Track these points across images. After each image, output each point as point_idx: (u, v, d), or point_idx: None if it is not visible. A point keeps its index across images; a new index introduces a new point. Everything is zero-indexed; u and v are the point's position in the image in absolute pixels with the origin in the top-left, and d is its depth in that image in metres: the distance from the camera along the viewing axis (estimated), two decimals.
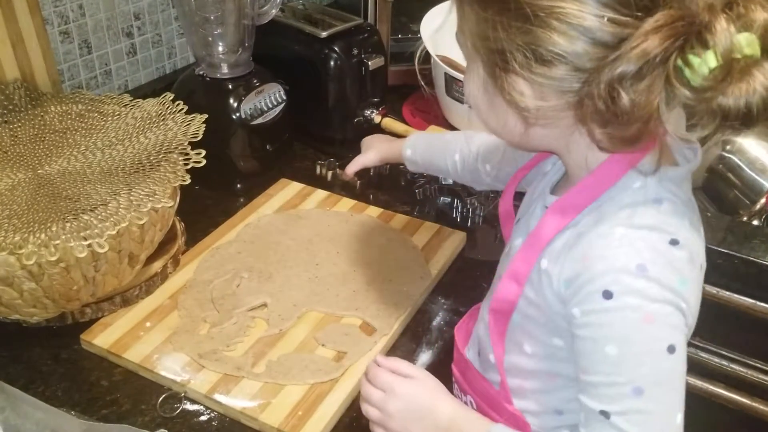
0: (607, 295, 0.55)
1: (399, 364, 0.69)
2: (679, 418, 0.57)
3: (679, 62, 0.49)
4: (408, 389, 0.66)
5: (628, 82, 0.50)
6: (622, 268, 0.54)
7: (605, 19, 0.50)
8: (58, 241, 0.74)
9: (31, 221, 0.78)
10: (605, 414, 0.57)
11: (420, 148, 0.98)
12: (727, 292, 1.00)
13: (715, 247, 0.98)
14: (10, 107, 0.99)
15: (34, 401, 0.73)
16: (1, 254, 0.72)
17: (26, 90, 1.01)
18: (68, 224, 0.77)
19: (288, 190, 1.13)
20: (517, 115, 0.58)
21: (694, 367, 1.08)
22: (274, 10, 1.16)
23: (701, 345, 1.07)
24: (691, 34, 0.48)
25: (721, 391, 1.06)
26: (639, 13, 0.50)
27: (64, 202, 0.81)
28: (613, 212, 0.57)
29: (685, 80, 0.49)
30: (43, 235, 0.75)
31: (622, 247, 0.55)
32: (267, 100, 1.13)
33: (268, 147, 1.16)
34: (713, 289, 1.01)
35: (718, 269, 0.99)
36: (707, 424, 1.05)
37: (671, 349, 0.55)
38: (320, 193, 1.12)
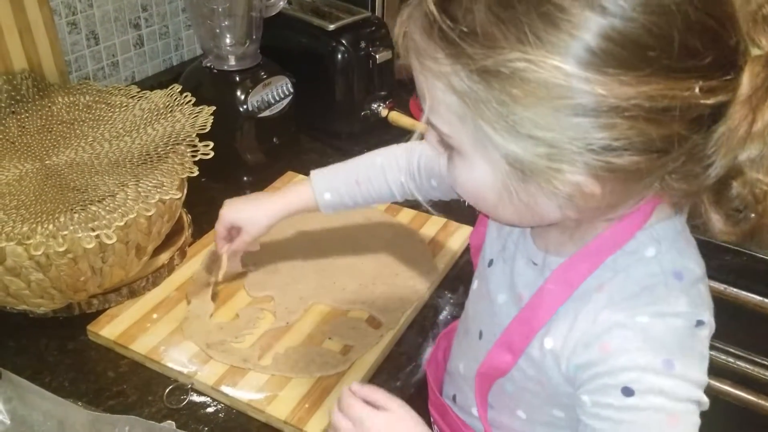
0: (628, 392, 0.49)
1: (375, 394, 0.62)
2: None
3: None
4: (380, 423, 0.60)
5: (751, 165, 0.44)
6: (647, 366, 0.49)
7: (696, 90, 0.42)
8: (66, 232, 0.73)
9: (38, 212, 0.78)
10: None
11: (341, 187, 0.83)
12: (735, 289, 1.00)
13: (723, 244, 0.98)
14: (18, 98, 0.99)
15: (41, 391, 0.73)
16: (9, 244, 0.72)
17: (34, 80, 1.01)
18: (76, 215, 0.77)
19: (294, 182, 1.12)
20: (565, 205, 0.49)
21: None
22: (282, 3, 1.15)
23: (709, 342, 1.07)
24: None
25: (728, 388, 1.06)
26: (729, 75, 0.43)
27: (71, 193, 0.81)
28: (631, 294, 0.51)
29: None
30: (51, 226, 0.75)
31: (647, 341, 0.49)
32: (274, 93, 1.13)
33: (275, 140, 1.16)
34: (721, 286, 1.00)
35: (725, 266, 0.98)
36: (713, 421, 1.05)
37: None
38: None
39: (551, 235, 0.58)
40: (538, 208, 0.49)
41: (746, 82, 0.43)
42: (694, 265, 0.53)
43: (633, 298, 0.51)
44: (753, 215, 0.48)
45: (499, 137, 0.45)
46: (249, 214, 0.84)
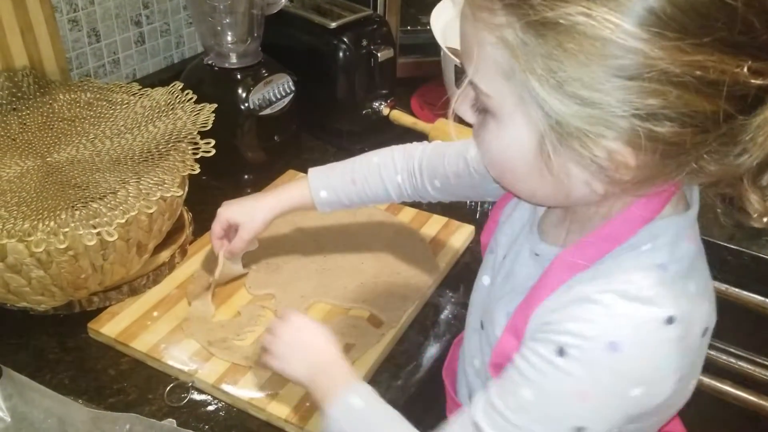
0: (561, 352, 0.49)
1: (294, 315, 0.71)
2: None
3: None
4: (288, 330, 0.70)
5: None
6: (593, 338, 0.49)
7: (745, 69, 0.42)
8: (67, 229, 0.73)
9: (40, 209, 0.78)
10: (477, 427, 0.53)
11: (338, 185, 0.83)
12: (736, 289, 1.00)
13: (724, 244, 0.98)
14: (19, 95, 0.99)
15: (41, 389, 0.73)
16: (10, 241, 0.72)
17: (35, 78, 1.01)
18: (77, 212, 0.77)
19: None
20: (595, 180, 0.48)
21: (703, 365, 1.08)
22: (283, 0, 1.15)
23: (710, 342, 1.07)
24: None
25: (729, 389, 1.06)
26: None
27: (72, 190, 0.81)
28: (610, 273, 0.51)
29: None
30: (52, 223, 0.75)
31: (604, 318, 0.49)
32: (275, 91, 1.12)
33: (276, 138, 1.16)
34: (722, 286, 1.00)
35: (727, 266, 0.98)
36: (714, 421, 1.05)
37: (579, 430, 0.50)
38: None
39: (557, 228, 0.59)
40: (568, 180, 0.49)
41: None
42: (687, 263, 0.52)
43: (610, 275, 0.51)
44: None
45: (545, 93, 0.45)
46: (245, 210, 0.85)
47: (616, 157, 0.46)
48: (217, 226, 0.85)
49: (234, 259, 0.89)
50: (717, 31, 0.42)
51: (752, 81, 0.43)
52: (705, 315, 0.53)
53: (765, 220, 0.51)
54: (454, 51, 1.20)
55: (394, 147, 0.84)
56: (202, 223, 1.02)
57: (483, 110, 0.51)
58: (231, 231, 0.86)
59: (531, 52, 0.44)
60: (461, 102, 0.53)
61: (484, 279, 0.68)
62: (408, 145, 0.84)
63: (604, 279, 0.51)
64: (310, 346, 0.69)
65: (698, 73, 0.42)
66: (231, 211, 0.85)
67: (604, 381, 0.49)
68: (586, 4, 0.42)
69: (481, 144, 0.53)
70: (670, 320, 0.49)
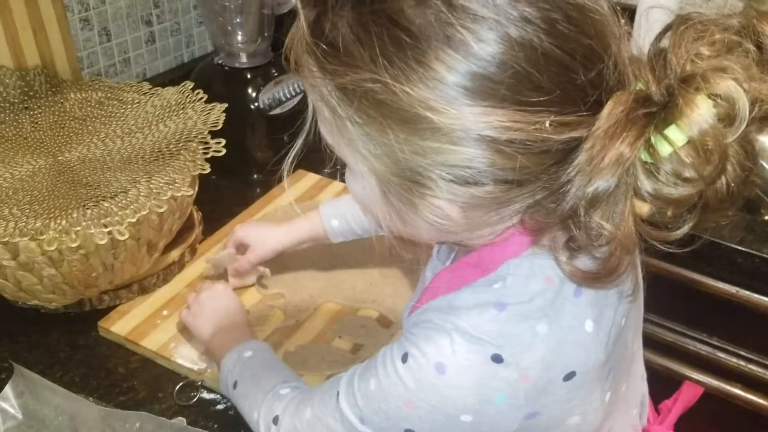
0: (404, 359, 0.51)
1: (219, 285, 0.82)
2: None
3: (644, 155, 0.43)
4: (203, 296, 0.81)
5: (603, 201, 0.43)
6: (427, 356, 0.50)
7: (547, 125, 0.43)
8: (78, 228, 0.74)
9: (51, 207, 0.78)
10: (338, 395, 0.57)
11: (347, 213, 0.86)
12: (747, 291, 0.99)
13: (735, 246, 0.97)
14: (31, 93, 0.99)
15: (52, 386, 0.74)
16: (23, 240, 0.73)
17: (46, 77, 1.02)
18: (89, 211, 0.77)
19: (305, 181, 1.13)
20: (433, 230, 0.50)
21: (711, 366, 1.07)
22: (293, 0, 1.15)
23: (719, 345, 1.07)
24: (652, 117, 0.43)
25: (739, 392, 1.06)
26: (588, 111, 0.43)
27: (84, 189, 0.82)
28: (459, 306, 0.51)
29: (653, 174, 0.43)
30: (64, 222, 0.75)
31: (441, 341, 0.50)
32: (285, 91, 1.13)
33: (285, 138, 1.16)
34: (732, 289, 1.00)
35: (738, 268, 0.98)
36: (724, 424, 1.04)
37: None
38: (337, 185, 1.11)
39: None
40: (413, 226, 0.51)
41: (605, 115, 0.43)
42: (540, 304, 0.50)
43: (457, 310, 0.51)
44: (595, 261, 0.48)
45: (365, 154, 0.47)
46: (259, 233, 0.89)
47: (443, 212, 0.47)
48: (230, 243, 0.91)
49: (247, 276, 0.91)
50: (503, 92, 0.42)
51: (554, 137, 0.43)
52: (564, 359, 0.51)
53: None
54: None
55: None
56: (212, 222, 1.02)
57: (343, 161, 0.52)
58: (242, 248, 0.90)
59: (343, 114, 0.46)
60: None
61: None
62: None
63: (454, 311, 0.51)
64: (220, 309, 0.79)
65: (493, 134, 0.43)
66: (245, 232, 0.90)
67: (431, 398, 0.50)
68: (375, 71, 0.43)
69: (347, 185, 0.55)
70: (496, 359, 0.49)
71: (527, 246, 0.51)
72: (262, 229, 0.90)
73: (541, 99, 0.43)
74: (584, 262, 0.48)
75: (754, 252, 0.97)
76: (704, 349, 1.08)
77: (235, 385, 0.70)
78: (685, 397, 0.75)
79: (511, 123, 0.42)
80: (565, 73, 0.43)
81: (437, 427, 0.52)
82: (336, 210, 0.87)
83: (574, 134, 0.43)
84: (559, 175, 0.45)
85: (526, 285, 0.51)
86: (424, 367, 0.50)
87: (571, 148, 0.44)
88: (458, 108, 0.43)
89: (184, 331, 0.83)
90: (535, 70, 0.42)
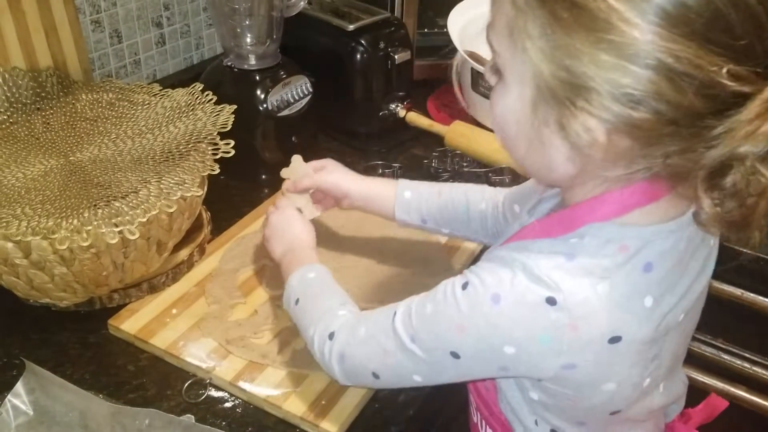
0: (464, 286, 0.57)
1: (287, 207, 0.88)
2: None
3: None
4: (274, 219, 0.87)
5: (750, 162, 0.45)
6: (486, 286, 0.55)
7: (724, 71, 0.44)
8: (90, 227, 0.75)
9: (63, 207, 0.79)
10: (395, 314, 0.64)
11: (423, 191, 0.87)
12: (752, 294, 1.00)
13: (740, 249, 0.97)
14: (43, 94, 1.00)
15: (63, 383, 0.75)
16: (35, 239, 0.74)
17: (58, 78, 1.03)
18: (100, 210, 0.78)
19: None
20: (573, 156, 0.51)
21: (716, 369, 1.07)
22: (302, 3, 1.16)
23: (723, 347, 1.07)
24: None
25: (744, 394, 1.06)
26: (759, 68, 0.44)
27: (95, 189, 0.83)
28: (530, 248, 0.55)
29: None
30: (75, 221, 0.76)
31: (503, 275, 0.54)
32: (294, 92, 1.14)
33: (293, 139, 1.17)
34: (737, 291, 1.00)
35: (743, 271, 0.98)
36: (729, 426, 1.04)
37: (455, 355, 0.58)
38: None
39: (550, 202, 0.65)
40: (550, 151, 0.52)
41: None
42: (607, 265, 0.53)
43: (528, 250, 0.55)
44: (740, 207, 0.49)
45: (536, 54, 0.48)
46: (338, 165, 0.92)
47: (591, 134, 0.48)
48: (312, 163, 0.92)
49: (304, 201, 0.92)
50: (697, 25, 0.43)
51: (728, 84, 0.44)
52: (614, 321, 0.53)
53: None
54: (471, 54, 1.20)
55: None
56: (220, 222, 1.03)
57: (496, 71, 0.54)
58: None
59: (531, 14, 0.48)
60: (486, 66, 0.57)
61: None
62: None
63: (524, 251, 0.55)
64: (288, 231, 0.85)
65: (673, 63, 0.44)
66: (328, 161, 0.92)
67: (481, 325, 0.55)
68: None
69: (491, 105, 0.56)
70: (550, 301, 0.52)
71: (615, 214, 0.53)
72: (343, 167, 0.92)
73: (729, 43, 0.44)
74: (726, 206, 0.50)
75: (760, 255, 0.97)
76: (709, 351, 1.08)
77: (297, 302, 0.76)
78: (710, 406, 0.76)
79: (693, 57, 0.43)
80: (757, 27, 0.44)
81: (480, 355, 0.57)
82: (412, 185, 0.87)
83: (745, 89, 0.44)
84: (712, 126, 0.45)
85: (601, 247, 0.53)
86: (481, 296, 0.55)
87: (734, 103, 0.45)
88: (650, 27, 0.44)
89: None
90: (734, 13, 0.44)
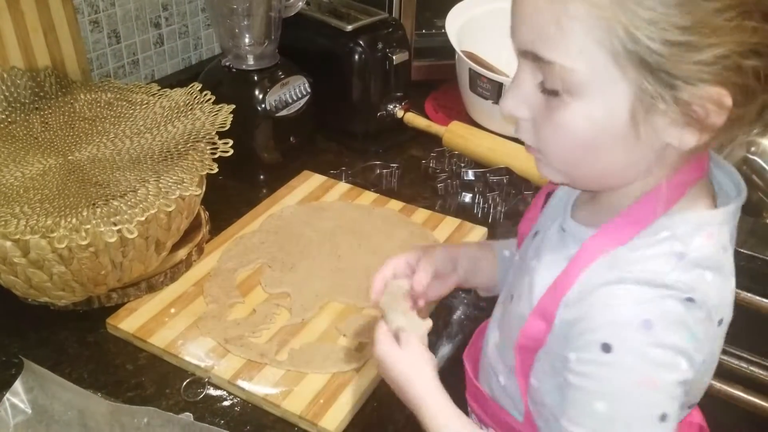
0: (606, 348, 0.51)
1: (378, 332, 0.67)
2: None
3: None
4: (388, 359, 0.65)
5: None
6: (626, 323, 0.51)
7: None
8: (88, 226, 0.75)
9: (62, 206, 0.79)
10: None
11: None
12: (749, 294, 1.00)
13: (737, 249, 0.97)
14: (41, 94, 1.01)
15: (62, 381, 0.75)
16: (33, 237, 0.74)
17: (57, 78, 1.03)
18: (98, 209, 0.78)
19: (311, 182, 1.14)
20: (692, 130, 0.50)
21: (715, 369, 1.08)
22: (300, 3, 1.17)
23: (723, 348, 1.07)
24: None
25: (740, 394, 1.06)
26: None
27: (94, 188, 0.83)
28: (630, 261, 0.53)
29: None
30: (74, 220, 0.76)
31: (631, 301, 0.51)
32: (292, 93, 1.14)
33: (291, 139, 1.17)
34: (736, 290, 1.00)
35: (740, 271, 0.98)
36: (725, 426, 1.04)
37: (663, 418, 0.51)
38: (342, 186, 1.12)
39: (586, 206, 0.61)
40: (656, 141, 0.50)
41: None
42: (703, 255, 0.53)
43: (630, 264, 0.53)
44: None
45: (647, 41, 0.46)
46: (415, 249, 0.75)
47: (713, 100, 0.48)
48: (388, 273, 0.72)
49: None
50: None
51: None
52: (722, 306, 0.55)
53: None
54: (468, 54, 1.21)
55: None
56: (218, 222, 1.03)
57: (553, 92, 0.51)
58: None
59: (622, 3, 0.46)
60: (513, 95, 0.54)
61: (516, 258, 0.70)
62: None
63: (623, 265, 0.53)
64: (403, 382, 0.65)
65: None
66: (399, 257, 0.74)
67: (657, 358, 0.51)
68: None
69: (556, 129, 0.52)
70: (690, 300, 0.51)
71: (670, 205, 0.53)
72: (413, 249, 0.75)
73: None
74: None
75: (756, 254, 0.97)
76: None
77: None
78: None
79: None
80: None
81: (672, 390, 0.52)
82: (507, 243, 0.78)
83: None
84: None
85: (692, 237, 0.53)
86: (632, 333, 0.50)
87: None
88: None
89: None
90: None
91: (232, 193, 1.12)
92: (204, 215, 1.01)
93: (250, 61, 1.14)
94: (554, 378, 0.59)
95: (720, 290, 0.54)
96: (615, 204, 0.57)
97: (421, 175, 1.17)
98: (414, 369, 0.64)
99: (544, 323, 0.58)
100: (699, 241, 0.53)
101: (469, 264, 0.76)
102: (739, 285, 0.98)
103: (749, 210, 1.14)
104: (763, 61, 0.47)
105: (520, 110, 0.54)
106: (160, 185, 0.82)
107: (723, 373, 1.07)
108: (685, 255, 0.53)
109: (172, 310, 0.87)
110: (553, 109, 0.52)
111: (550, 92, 0.51)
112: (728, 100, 0.48)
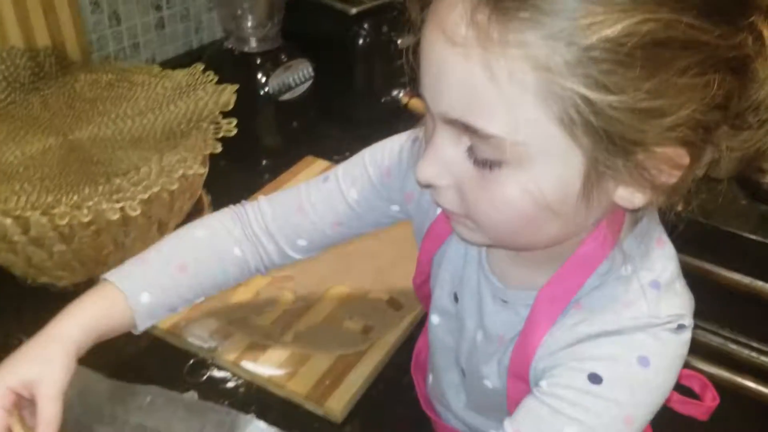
0: (596, 379, 0.47)
1: None
2: None
3: None
4: None
5: None
6: (623, 358, 0.48)
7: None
8: (90, 203, 0.73)
9: (62, 183, 0.78)
10: None
11: (164, 281, 0.63)
12: (761, 282, 0.99)
13: (747, 236, 0.97)
14: (41, 74, 0.99)
15: None
16: (34, 214, 0.72)
17: (57, 58, 1.01)
18: (100, 187, 0.77)
19: (313, 167, 1.12)
20: (645, 191, 0.45)
21: (722, 358, 1.07)
22: None
23: (730, 336, 1.06)
24: None
25: (750, 384, 1.05)
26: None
27: (95, 167, 0.81)
28: (610, 309, 0.49)
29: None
30: (75, 197, 0.75)
31: (623, 340, 0.48)
32: (295, 76, 1.12)
33: (294, 124, 1.16)
34: (746, 279, 0.99)
35: (750, 258, 0.97)
36: (734, 417, 1.03)
37: None
38: None
39: (516, 267, 0.56)
40: (605, 204, 0.46)
41: None
42: (667, 265, 0.51)
43: (612, 313, 0.49)
44: None
45: (608, 109, 0.40)
46: (31, 363, 0.57)
47: (670, 161, 0.43)
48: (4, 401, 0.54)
49: None
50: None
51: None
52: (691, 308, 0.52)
53: None
54: None
55: (215, 214, 0.70)
56: (221, 206, 1.00)
57: (488, 163, 0.44)
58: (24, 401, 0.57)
59: (580, 71, 0.39)
60: (432, 161, 0.46)
61: (433, 318, 0.65)
62: (234, 208, 0.70)
63: (604, 315, 0.50)
64: None
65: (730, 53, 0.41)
66: (13, 375, 0.56)
67: (645, 399, 0.49)
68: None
69: (493, 202, 0.45)
70: (680, 327, 0.49)
71: (622, 220, 0.50)
72: (33, 357, 0.58)
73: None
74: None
75: (767, 241, 0.96)
76: (715, 341, 1.07)
77: None
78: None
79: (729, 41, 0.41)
80: None
81: (642, 426, 0.50)
82: (142, 280, 0.62)
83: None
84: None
85: (648, 256, 0.51)
86: (627, 368, 0.48)
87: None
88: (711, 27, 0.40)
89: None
90: None
91: (234, 177, 1.10)
92: (206, 199, 1.00)
93: (253, 43, 1.12)
94: None
95: (686, 290, 0.52)
96: (555, 256, 0.51)
97: None
98: None
99: (524, 384, 0.55)
100: (656, 254, 0.51)
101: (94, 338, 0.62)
102: (753, 274, 0.98)
103: (760, 197, 1.13)
104: (725, 114, 0.43)
105: (443, 179, 0.47)
106: (162, 164, 0.81)
107: (732, 362, 1.06)
108: (658, 282, 0.50)
109: None
110: (489, 181, 0.44)
111: (483, 163, 0.44)
112: (686, 160, 0.43)
